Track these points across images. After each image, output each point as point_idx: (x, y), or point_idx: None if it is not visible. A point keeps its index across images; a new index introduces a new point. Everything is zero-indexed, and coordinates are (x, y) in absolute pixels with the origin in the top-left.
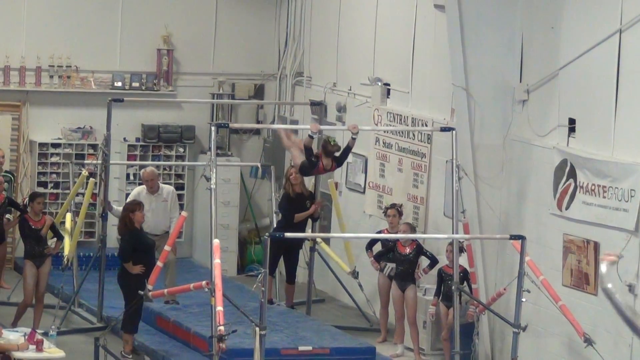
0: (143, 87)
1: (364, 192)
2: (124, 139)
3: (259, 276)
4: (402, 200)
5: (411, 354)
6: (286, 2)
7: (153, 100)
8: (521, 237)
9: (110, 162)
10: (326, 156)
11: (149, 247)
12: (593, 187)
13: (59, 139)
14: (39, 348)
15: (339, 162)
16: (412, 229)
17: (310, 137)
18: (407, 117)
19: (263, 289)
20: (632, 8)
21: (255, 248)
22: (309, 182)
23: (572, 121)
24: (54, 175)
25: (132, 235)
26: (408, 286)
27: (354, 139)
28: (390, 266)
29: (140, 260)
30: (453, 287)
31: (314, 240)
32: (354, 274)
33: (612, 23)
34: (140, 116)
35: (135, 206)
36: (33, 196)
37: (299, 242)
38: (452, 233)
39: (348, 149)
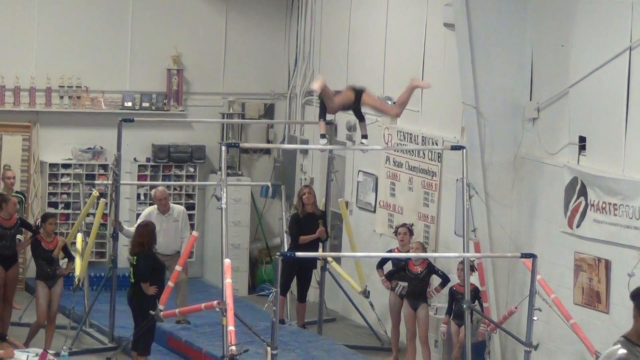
0: (153, 107)
1: (374, 211)
2: (135, 159)
3: (270, 296)
4: (413, 219)
5: None
6: (296, 21)
7: (163, 120)
8: (532, 256)
9: (121, 182)
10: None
11: (161, 267)
12: (604, 205)
13: (70, 159)
14: None
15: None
16: (423, 247)
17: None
18: (418, 135)
19: (274, 308)
20: None
21: (266, 268)
22: (320, 202)
23: (582, 139)
24: (65, 196)
25: (149, 256)
26: (420, 305)
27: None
28: (401, 285)
29: (153, 280)
30: (464, 306)
31: (324, 260)
32: (365, 293)
33: (622, 41)
34: (150, 136)
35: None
36: (45, 217)
37: (313, 262)
38: (463, 252)
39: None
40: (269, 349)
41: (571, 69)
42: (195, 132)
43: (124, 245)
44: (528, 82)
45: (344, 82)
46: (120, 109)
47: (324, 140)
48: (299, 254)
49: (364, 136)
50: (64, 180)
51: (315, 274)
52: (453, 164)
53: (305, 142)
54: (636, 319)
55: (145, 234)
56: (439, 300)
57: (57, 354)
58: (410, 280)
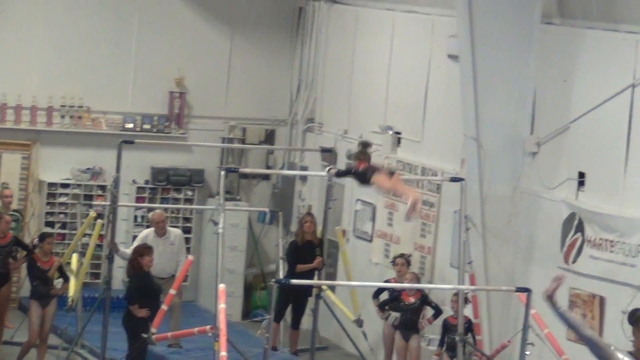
0: (154, 130)
1: (371, 241)
2: (133, 180)
3: (264, 322)
4: (409, 250)
5: None
6: (300, 48)
7: (163, 143)
8: (527, 290)
9: (119, 203)
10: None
11: (155, 291)
12: (601, 242)
13: (68, 179)
14: None
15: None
16: (417, 278)
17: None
18: (417, 166)
19: (267, 335)
20: None
21: (260, 294)
22: (318, 229)
23: (581, 175)
24: (62, 216)
25: (140, 279)
26: (412, 336)
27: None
28: (394, 315)
29: (146, 303)
30: (457, 338)
31: (319, 288)
32: (359, 323)
33: (625, 77)
34: (150, 158)
35: (144, 250)
36: (43, 236)
37: (308, 289)
38: (458, 284)
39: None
40: None
41: (573, 105)
42: (195, 155)
43: (119, 267)
44: (529, 116)
45: (346, 111)
46: (121, 130)
47: (333, 171)
48: (293, 281)
49: None
50: (62, 199)
51: (310, 302)
52: (452, 195)
53: (305, 169)
54: (637, 336)
55: (133, 257)
56: (432, 332)
57: None
58: (403, 310)
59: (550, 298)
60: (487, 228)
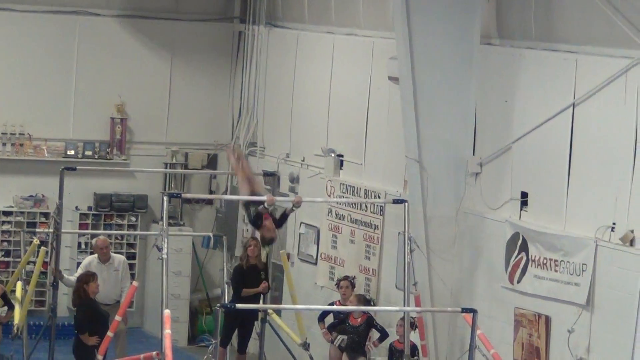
0: (96, 156)
1: (316, 264)
2: (76, 207)
3: (210, 347)
4: (354, 272)
5: None
6: (241, 72)
7: (106, 169)
8: (472, 311)
9: (62, 230)
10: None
11: (103, 317)
12: (545, 261)
13: (11, 206)
14: None
15: (278, 224)
16: (364, 300)
17: (265, 208)
18: (360, 188)
19: None
20: (585, 82)
21: (206, 318)
22: (263, 253)
23: (524, 194)
24: (5, 244)
25: (88, 307)
26: (358, 358)
27: (292, 210)
28: (341, 337)
29: (95, 331)
30: None
31: (265, 312)
32: (305, 346)
33: (565, 97)
34: (92, 184)
35: (89, 277)
36: None
37: (254, 313)
38: (404, 305)
39: (285, 216)
40: None
41: (515, 125)
42: (137, 181)
43: (63, 294)
44: (471, 137)
45: (287, 135)
46: (63, 157)
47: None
48: (239, 305)
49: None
50: (5, 227)
51: (256, 326)
52: (395, 217)
53: None
54: None
55: (78, 285)
56: (379, 354)
57: None
58: (350, 333)
59: None
60: (431, 249)
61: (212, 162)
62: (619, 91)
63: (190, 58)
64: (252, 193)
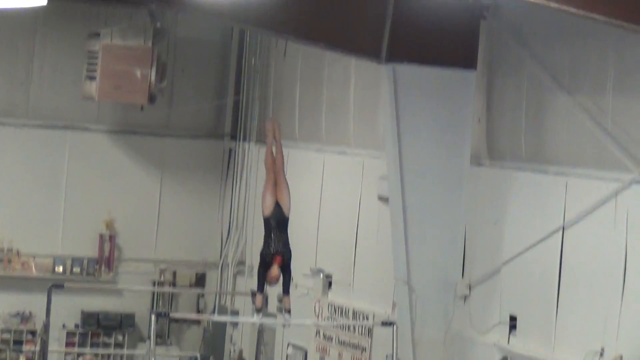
0: (84, 273)
1: None
2: (63, 325)
3: None
4: None
5: None
6: (230, 189)
7: (93, 288)
8: None
9: (49, 349)
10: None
11: None
12: None
13: None
14: None
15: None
16: None
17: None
18: (349, 309)
19: None
20: (575, 206)
21: None
22: None
23: (513, 318)
24: None
25: None
26: None
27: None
28: None
29: None
30: None
31: None
32: None
33: (555, 219)
34: (80, 302)
35: None
36: None
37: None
38: None
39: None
40: None
41: (504, 247)
42: (125, 299)
43: None
44: (460, 259)
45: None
46: (51, 274)
47: (259, 315)
48: None
49: (288, 311)
50: None
51: None
52: (383, 339)
53: (236, 313)
54: None
55: None
56: None
57: None
58: None
59: None
60: None
61: (200, 280)
62: (609, 214)
63: (180, 174)
64: (277, 204)
